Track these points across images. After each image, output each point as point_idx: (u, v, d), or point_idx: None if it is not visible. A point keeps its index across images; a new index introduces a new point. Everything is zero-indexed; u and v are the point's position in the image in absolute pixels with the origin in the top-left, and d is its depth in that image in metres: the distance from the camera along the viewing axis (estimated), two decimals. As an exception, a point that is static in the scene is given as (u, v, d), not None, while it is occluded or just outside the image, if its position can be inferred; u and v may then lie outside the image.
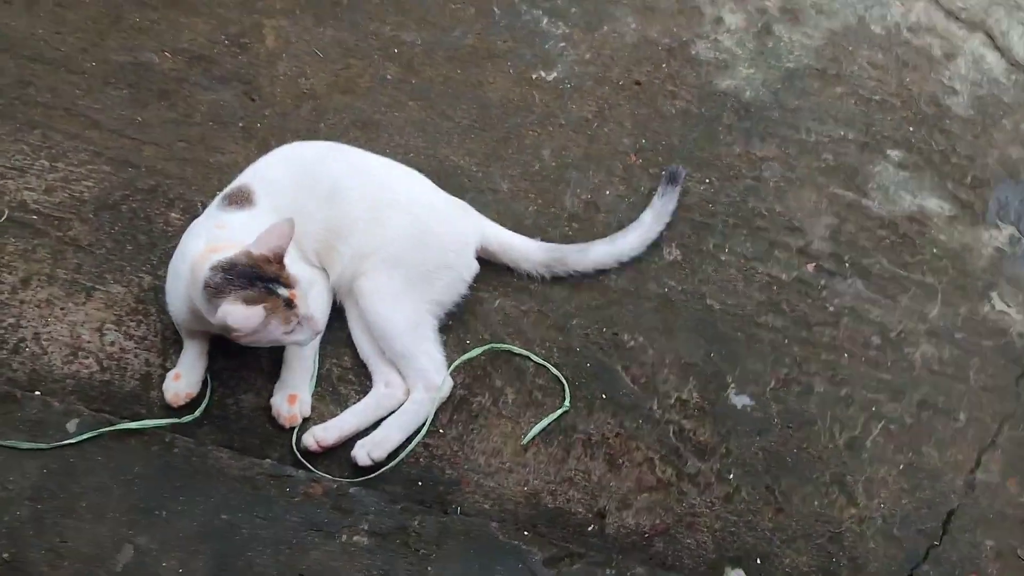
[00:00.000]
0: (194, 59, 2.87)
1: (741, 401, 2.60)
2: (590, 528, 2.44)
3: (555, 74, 3.00)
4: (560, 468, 2.48)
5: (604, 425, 2.53)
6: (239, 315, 2.12)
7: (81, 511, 2.21)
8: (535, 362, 2.57)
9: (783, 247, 2.82)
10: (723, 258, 2.78)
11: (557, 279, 2.67)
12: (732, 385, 2.62)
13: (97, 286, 2.51)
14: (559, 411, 2.53)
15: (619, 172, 2.87)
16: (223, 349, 2.44)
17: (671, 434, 2.54)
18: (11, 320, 2.44)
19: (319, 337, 2.44)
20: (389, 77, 2.92)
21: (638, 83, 3.02)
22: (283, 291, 2.18)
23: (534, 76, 2.98)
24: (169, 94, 2.80)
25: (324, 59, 2.92)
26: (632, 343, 2.64)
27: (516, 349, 2.58)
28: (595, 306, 2.67)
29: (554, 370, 2.57)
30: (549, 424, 2.51)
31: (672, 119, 2.97)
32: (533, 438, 2.49)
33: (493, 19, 3.07)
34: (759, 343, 2.68)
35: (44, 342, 2.43)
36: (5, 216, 2.56)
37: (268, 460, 2.34)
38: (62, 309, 2.47)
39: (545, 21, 3.08)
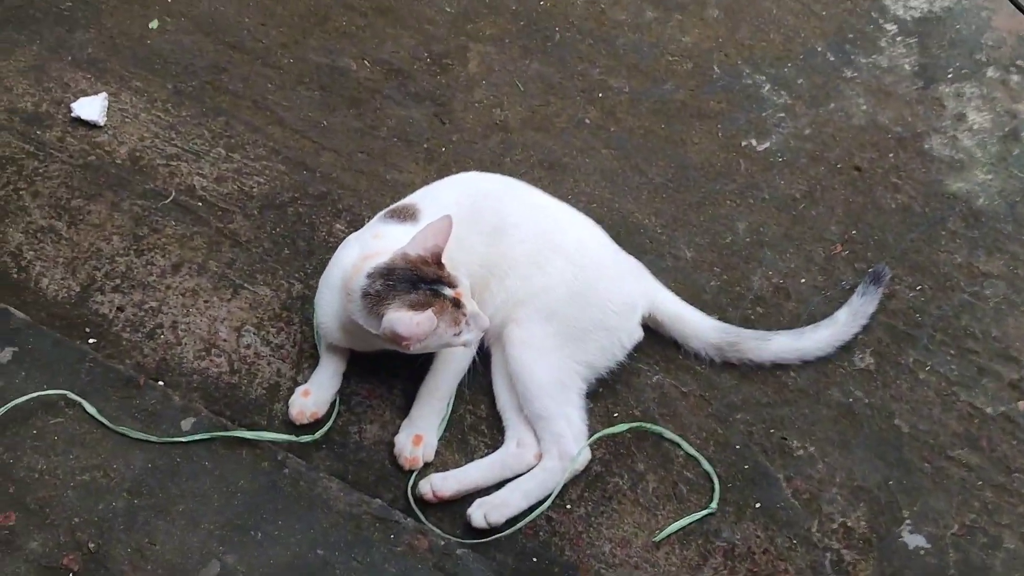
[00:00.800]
0: (392, 72, 2.80)
1: (915, 541, 2.27)
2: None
3: (767, 144, 2.78)
4: None
5: (752, 537, 2.26)
6: (408, 322, 2.00)
7: (176, 515, 2.11)
8: (686, 451, 2.33)
9: (994, 376, 2.49)
10: (922, 376, 2.47)
11: (727, 365, 2.44)
12: (907, 521, 2.30)
13: (246, 285, 2.44)
14: (704, 511, 2.27)
15: (819, 260, 2.62)
16: (359, 373, 2.34)
17: (827, 563, 2.24)
18: (153, 304, 2.40)
19: (457, 381, 2.32)
20: (588, 121, 2.78)
21: (858, 169, 2.76)
22: (448, 291, 2.07)
23: (743, 143, 2.77)
24: (359, 103, 2.74)
25: (523, 92, 2.80)
26: (801, 451, 2.37)
27: (667, 433, 2.35)
28: (765, 402, 2.42)
29: (706, 464, 2.32)
30: (690, 524, 2.26)
31: (890, 214, 2.70)
32: (669, 535, 2.25)
33: (711, 78, 2.88)
34: (947, 479, 2.35)
35: (180, 332, 2.37)
36: (171, 198, 2.54)
37: (378, 501, 2.18)
38: (206, 302, 2.41)
39: (767, 88, 2.87)
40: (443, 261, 2.11)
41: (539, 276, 2.30)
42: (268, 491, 2.16)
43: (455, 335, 2.09)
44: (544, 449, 2.26)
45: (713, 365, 2.43)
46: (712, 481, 2.30)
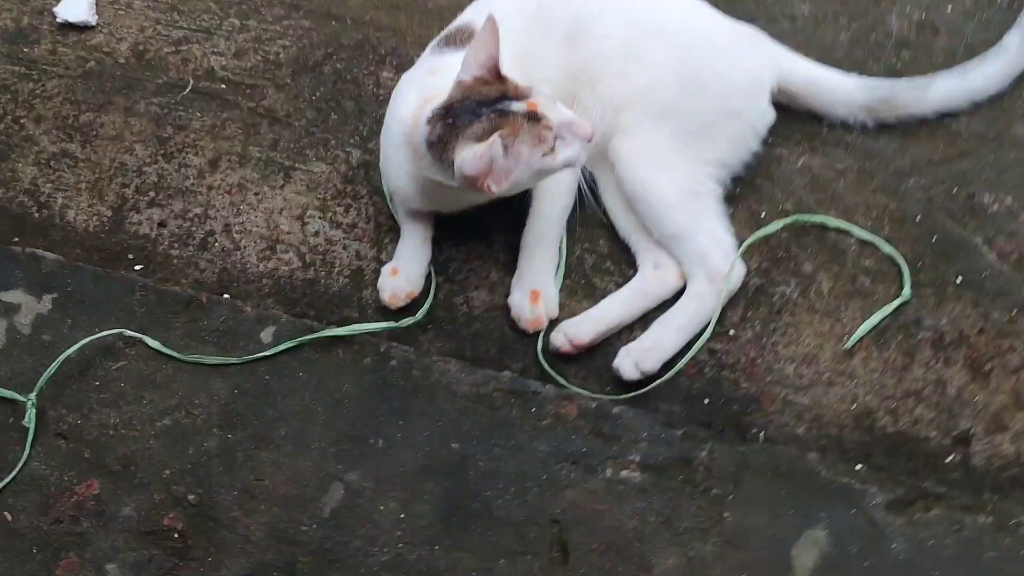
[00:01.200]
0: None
1: None
2: (949, 459, 1.80)
3: None
4: (901, 378, 1.84)
5: (962, 319, 1.88)
6: (471, 159, 1.63)
7: (279, 441, 1.80)
8: (858, 237, 1.95)
9: None
10: None
11: (883, 127, 2.02)
12: None
13: (297, 165, 2.09)
14: (896, 301, 1.89)
15: (965, -20, 2.17)
16: (449, 235, 1.99)
17: (1063, 329, 1.86)
18: (198, 210, 2.05)
19: (564, 219, 1.95)
20: None
21: None
22: (517, 105, 1.68)
23: None
24: (378, -68, 2.34)
25: None
26: (996, 206, 1.96)
27: (832, 221, 1.96)
28: (939, 160, 2.00)
29: (886, 246, 1.93)
30: (883, 320, 1.88)
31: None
32: (861, 338, 1.87)
33: None
34: None
35: (236, 235, 2.03)
36: (190, 88, 2.17)
37: (508, 373, 1.85)
38: (256, 195, 2.07)
39: None
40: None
41: (638, 71, 1.89)
42: (379, 390, 1.83)
43: (546, 155, 1.69)
44: (689, 272, 1.89)
45: (866, 131, 2.02)
46: (898, 264, 1.92)
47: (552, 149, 1.69)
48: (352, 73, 2.17)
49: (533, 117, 1.67)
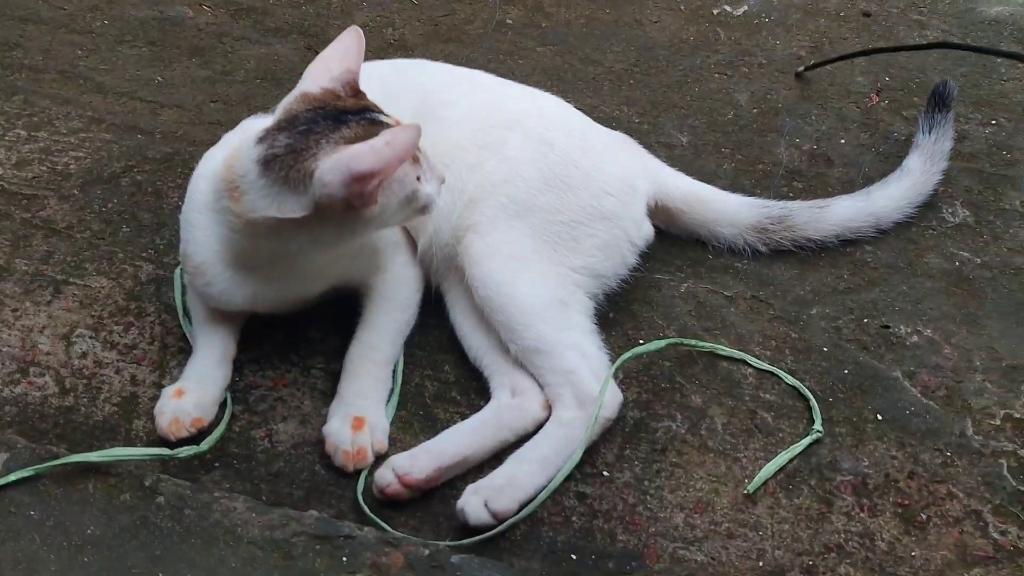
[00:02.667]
0: (241, 11, 2.20)
1: (1118, 418, 1.59)
2: (889, 628, 1.43)
3: (744, 8, 2.22)
4: (819, 530, 1.48)
5: (887, 460, 1.55)
6: (368, 151, 1.36)
7: (-13, 597, 1.34)
8: (755, 367, 1.64)
9: None
10: (1040, 218, 1.84)
11: (777, 253, 1.78)
12: (1097, 394, 1.62)
13: (71, 279, 1.73)
14: (807, 439, 1.56)
15: (855, 117, 2.01)
16: (255, 358, 1.64)
17: (1006, 471, 1.53)
18: (-69, 327, 1.66)
19: (402, 336, 1.63)
20: (509, 22, 2.18)
21: (867, 14, 2.21)
22: (387, 119, 1.46)
23: (715, 11, 2.20)
24: (203, 51, 2.12)
25: (418, 5, 2.20)
26: (914, 338, 1.69)
27: (723, 349, 1.66)
28: (843, 289, 1.76)
29: (789, 378, 1.63)
30: (792, 460, 1.54)
31: (924, 53, 2.11)
32: (766, 482, 1.52)
33: (651, -45, 2.32)
34: None
35: (-22, 355, 1.63)
36: (-47, 195, 1.84)
37: (313, 513, 1.43)
38: (14, 311, 1.69)
39: (723, -48, 2.33)
40: None
41: (494, 161, 1.63)
42: (136, 533, 1.38)
43: (417, 180, 1.44)
44: (554, 396, 1.54)
45: (758, 258, 1.78)
46: (805, 399, 1.61)
47: (421, 177, 1.46)
48: (155, 185, 1.87)
49: None
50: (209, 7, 2.18)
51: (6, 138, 1.93)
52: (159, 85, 2.02)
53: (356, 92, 1.47)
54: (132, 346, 1.66)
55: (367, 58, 1.85)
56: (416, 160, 1.45)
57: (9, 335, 1.66)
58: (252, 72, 2.05)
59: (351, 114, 1.43)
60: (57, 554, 1.37)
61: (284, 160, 1.39)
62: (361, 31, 1.51)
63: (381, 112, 1.46)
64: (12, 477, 1.43)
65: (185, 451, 1.49)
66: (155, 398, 1.57)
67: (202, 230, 1.52)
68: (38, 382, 1.61)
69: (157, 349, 1.66)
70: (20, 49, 2.09)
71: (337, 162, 1.35)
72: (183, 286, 1.69)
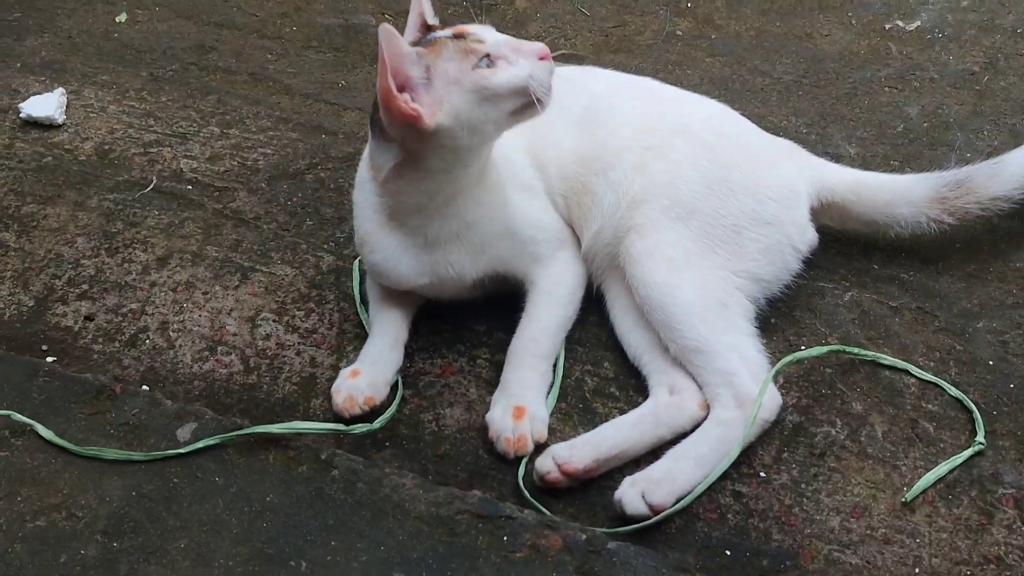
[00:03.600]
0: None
1: None
2: (1048, 644, 1.40)
3: (917, 23, 2.19)
4: (977, 541, 1.47)
5: (1052, 476, 1.54)
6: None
7: (175, 555, 1.42)
8: (918, 378, 1.64)
9: None
10: None
11: (947, 268, 1.77)
12: None
13: (258, 267, 1.84)
14: (968, 451, 1.55)
15: (1030, 132, 1.98)
16: (425, 346, 1.72)
17: None
18: (133, 306, 1.79)
19: (563, 330, 1.68)
20: (679, 33, 2.21)
21: (1046, 29, 2.16)
22: (441, 33, 1.53)
23: (887, 26, 2.19)
24: (384, 57, 2.21)
25: (590, 17, 2.26)
26: (1086, 354, 1.66)
27: (886, 358, 1.66)
28: (1012, 303, 1.73)
29: (953, 390, 1.61)
30: (952, 471, 1.53)
31: (1105, 74, 2.07)
32: (924, 491, 1.51)
33: (824, -31, 2.33)
34: None
35: (172, 333, 1.75)
36: (152, 186, 1.97)
37: (476, 492, 1.49)
38: (205, 294, 1.81)
39: (900, -32, 2.31)
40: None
41: (658, 165, 1.66)
42: (311, 503, 1.47)
43: (481, 70, 1.45)
44: (712, 396, 1.57)
45: (923, 269, 1.77)
46: (968, 411, 1.59)
47: (489, 65, 1.46)
48: (337, 182, 1.97)
49: (459, 36, 1.50)
50: (391, 15, 2.28)
51: (201, 134, 2.07)
52: (342, 89, 2.13)
53: (426, 27, 1.56)
54: (312, 330, 1.76)
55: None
56: (470, 52, 1.46)
57: (200, 316, 1.78)
58: (428, 78, 2.13)
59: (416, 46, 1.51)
60: (239, 518, 1.47)
61: (374, 119, 1.51)
62: None
63: (438, 29, 1.55)
64: (200, 444, 1.54)
65: (359, 428, 1.58)
66: (332, 379, 1.66)
67: (365, 204, 1.64)
68: (225, 360, 1.73)
69: (335, 334, 1.75)
70: (215, 52, 2.23)
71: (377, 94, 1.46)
72: (361, 276, 1.79)
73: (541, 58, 1.47)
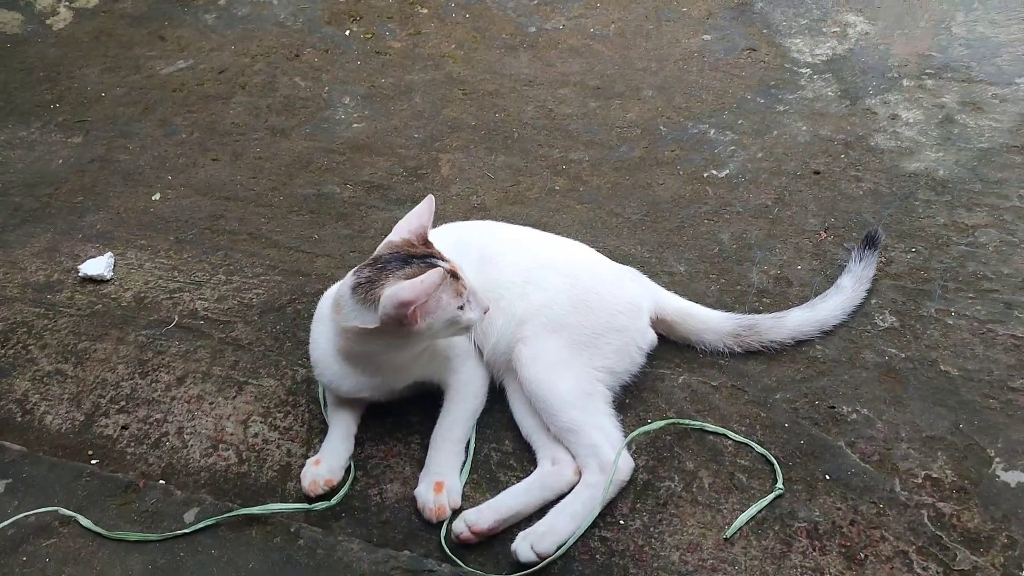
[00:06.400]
0: (373, 187, 2.20)
1: (1015, 478, 1.46)
2: (833, 646, 1.32)
3: (727, 171, 2.14)
4: (780, 566, 1.39)
5: (833, 511, 1.45)
6: (409, 285, 1.37)
7: (180, 615, 1.34)
8: (734, 440, 1.56)
9: (1022, 306, 1.74)
10: (951, 322, 1.71)
11: (750, 353, 1.70)
12: (997, 459, 1.48)
13: (250, 380, 1.74)
14: (771, 495, 1.47)
15: (809, 249, 1.91)
16: (372, 437, 1.61)
17: (926, 520, 1.42)
18: (158, 416, 1.69)
19: (472, 419, 1.59)
20: (557, 188, 2.14)
21: (817, 172, 2.10)
22: (443, 263, 1.47)
23: (705, 175, 2.13)
24: (346, 216, 2.13)
25: (495, 179, 2.19)
26: (854, 416, 1.58)
27: (710, 426, 1.58)
28: (800, 378, 1.66)
29: (759, 448, 1.54)
30: (760, 511, 1.45)
31: (860, 199, 2.02)
32: (740, 528, 1.44)
33: (660, 136, 2.27)
34: (1020, 409, 1.56)
35: (186, 436, 1.65)
36: (175, 323, 1.88)
37: (407, 552, 1.41)
38: (211, 404, 1.71)
39: (712, 132, 2.26)
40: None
41: (536, 292, 1.60)
42: (282, 567, 1.39)
43: (459, 308, 1.45)
44: (582, 464, 1.49)
45: (735, 356, 1.69)
46: (771, 463, 1.52)
47: (463, 305, 1.45)
48: (310, 312, 1.80)
49: (454, 275, 1.44)
50: (351, 186, 2.21)
51: (211, 281, 1.98)
52: (315, 241, 2.05)
53: (425, 242, 1.49)
54: (289, 428, 1.66)
55: (458, 218, 1.88)
56: (459, 294, 1.44)
57: (206, 421, 1.68)
58: (379, 230, 2.05)
59: (416, 258, 1.44)
60: (228, 582, 1.39)
61: (365, 287, 1.42)
62: (434, 199, 1.54)
63: (440, 256, 1.47)
64: (200, 525, 1.45)
65: (320, 505, 1.49)
66: (302, 466, 1.55)
67: (320, 334, 1.56)
68: (224, 455, 1.62)
69: (305, 430, 1.65)
70: (223, 218, 2.15)
71: (390, 291, 1.38)
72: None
73: (484, 311, 1.51)
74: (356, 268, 1.49)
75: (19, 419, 1.71)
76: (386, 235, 1.57)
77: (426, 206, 1.52)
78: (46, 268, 2.06)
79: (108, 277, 2.02)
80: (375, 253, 1.50)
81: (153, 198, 2.25)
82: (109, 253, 2.07)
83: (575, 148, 2.28)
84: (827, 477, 1.50)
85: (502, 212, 2.09)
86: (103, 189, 2.30)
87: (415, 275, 1.40)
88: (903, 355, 1.68)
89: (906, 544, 1.40)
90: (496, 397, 1.64)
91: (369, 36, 2.80)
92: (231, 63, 2.74)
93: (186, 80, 2.68)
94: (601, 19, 2.77)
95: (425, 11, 2.88)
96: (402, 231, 1.50)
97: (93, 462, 1.61)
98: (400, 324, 1.41)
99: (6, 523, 1.44)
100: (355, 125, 2.43)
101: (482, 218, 2.08)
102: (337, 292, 1.50)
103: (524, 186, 2.18)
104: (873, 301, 1.78)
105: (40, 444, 1.65)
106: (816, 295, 1.77)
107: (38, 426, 1.70)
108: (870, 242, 1.81)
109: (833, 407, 1.60)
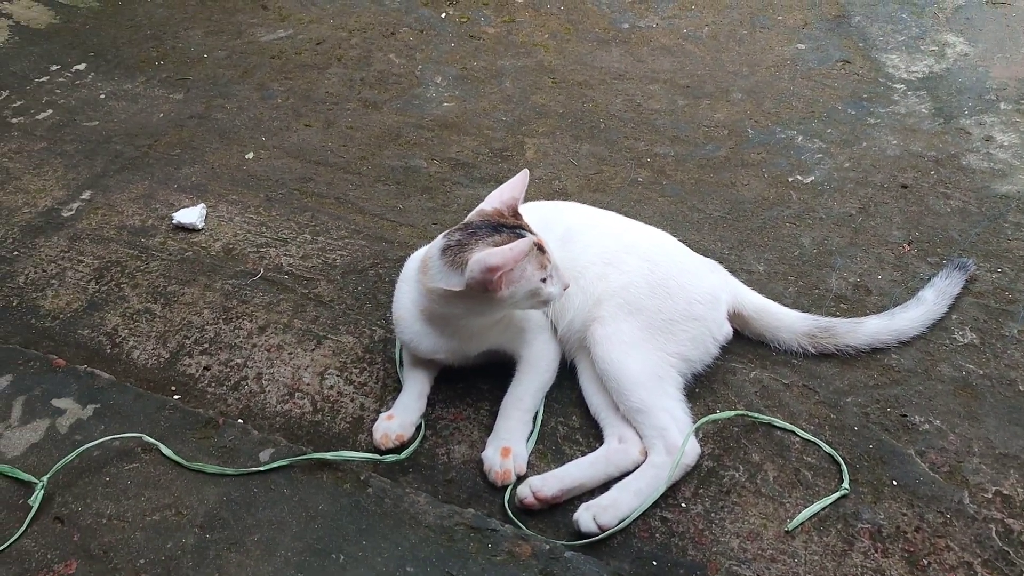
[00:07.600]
0: (458, 165, 2.26)
1: (1090, 503, 1.44)
2: (891, 645, 1.31)
3: (812, 178, 2.14)
4: (840, 563, 1.39)
5: (898, 516, 1.44)
6: (498, 252, 1.40)
7: (250, 546, 1.38)
8: (801, 437, 1.56)
9: (1110, 335, 1.71)
10: (1033, 344, 1.70)
11: (824, 355, 1.69)
12: (1072, 482, 1.47)
13: (329, 336, 1.80)
14: (836, 494, 1.47)
15: (890, 260, 1.90)
16: (444, 399, 1.65)
17: (994, 534, 1.40)
18: (239, 361, 1.75)
19: (542, 391, 1.62)
20: (640, 179, 2.17)
21: (904, 186, 2.09)
22: (531, 236, 1.49)
23: (790, 179, 2.13)
24: (431, 190, 2.18)
25: (578, 167, 2.22)
26: (926, 426, 1.57)
27: (778, 421, 1.59)
28: (873, 384, 1.65)
29: (827, 447, 1.54)
30: (824, 508, 1.45)
31: (947, 216, 2.00)
32: (802, 523, 1.44)
33: (746, 138, 2.29)
34: (1101, 435, 1.54)
35: (264, 381, 1.71)
36: (260, 275, 1.95)
37: (471, 510, 1.43)
38: (290, 354, 1.77)
39: (800, 139, 2.26)
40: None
41: (615, 274, 1.62)
42: (350, 512, 1.43)
43: (542, 280, 1.48)
44: (649, 445, 1.51)
45: (808, 357, 1.69)
46: (837, 463, 1.52)
47: (547, 278, 1.49)
48: (391, 278, 1.91)
49: (540, 248, 1.48)
50: (437, 161, 2.27)
51: (297, 240, 2.05)
52: (400, 211, 2.11)
53: (515, 213, 1.53)
54: (363, 383, 1.71)
55: (541, 198, 1.91)
56: (544, 267, 1.47)
57: (284, 370, 1.75)
58: (462, 206, 2.11)
59: (506, 227, 1.48)
60: (298, 520, 1.42)
61: (454, 249, 1.46)
62: (528, 172, 1.57)
63: (528, 228, 1.51)
64: (274, 464, 1.50)
65: (389, 458, 1.53)
66: (375, 420, 1.60)
67: (404, 294, 1.61)
68: (299, 403, 1.68)
69: (380, 387, 1.70)
70: (312, 182, 2.22)
71: (479, 256, 1.41)
72: (400, 345, 1.76)
73: (565, 288, 1.54)
74: (446, 232, 1.54)
75: (108, 351, 1.80)
76: (469, 211, 1.62)
77: (520, 179, 1.56)
78: (142, 213, 2.16)
79: (200, 227, 2.10)
80: (467, 218, 1.54)
81: (247, 156, 2.34)
82: (202, 204, 2.15)
83: (661, 142, 2.30)
84: (894, 483, 1.49)
85: (583, 198, 2.11)
86: (200, 144, 2.39)
87: (504, 243, 1.43)
88: (981, 372, 1.66)
89: (971, 556, 1.38)
90: (565, 374, 1.67)
91: (464, 20, 2.86)
92: (329, 36, 2.82)
93: (284, 48, 2.77)
94: (695, 21, 2.79)
95: (520, 0, 2.93)
96: (494, 201, 1.54)
97: (176, 397, 1.68)
98: (484, 289, 1.44)
99: (92, 443, 1.52)
100: (445, 104, 2.49)
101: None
102: (425, 254, 1.55)
103: (607, 175, 2.20)
104: (954, 317, 1.76)
105: (127, 376, 1.73)
106: (895, 305, 1.77)
107: (125, 359, 1.78)
108: (960, 267, 1.80)
109: (905, 415, 1.60)
